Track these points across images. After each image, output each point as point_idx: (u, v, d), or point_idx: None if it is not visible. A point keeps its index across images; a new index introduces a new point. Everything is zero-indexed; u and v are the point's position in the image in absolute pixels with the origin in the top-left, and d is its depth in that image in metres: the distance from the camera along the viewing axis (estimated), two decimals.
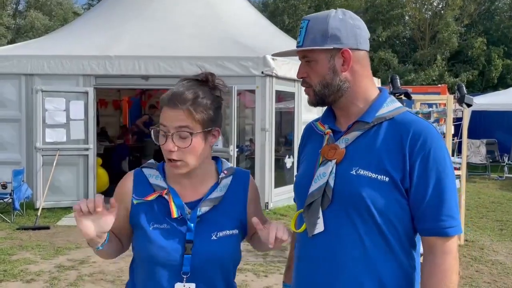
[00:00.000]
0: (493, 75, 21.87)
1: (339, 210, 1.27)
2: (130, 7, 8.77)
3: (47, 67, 7.46)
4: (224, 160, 1.49)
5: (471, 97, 4.98)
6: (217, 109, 1.38)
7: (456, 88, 5.11)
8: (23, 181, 6.82)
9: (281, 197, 7.75)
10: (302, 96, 8.32)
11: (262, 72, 7.36)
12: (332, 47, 1.27)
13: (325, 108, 1.41)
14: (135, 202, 1.39)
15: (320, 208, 1.29)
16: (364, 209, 1.24)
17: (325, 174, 1.29)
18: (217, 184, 1.40)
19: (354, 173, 1.26)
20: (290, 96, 8.21)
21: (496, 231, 6.45)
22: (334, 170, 1.28)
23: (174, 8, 8.70)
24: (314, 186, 1.31)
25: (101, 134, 10.98)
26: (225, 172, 1.42)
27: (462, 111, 5.38)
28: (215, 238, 1.35)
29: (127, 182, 1.43)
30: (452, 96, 4.92)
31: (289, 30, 21.58)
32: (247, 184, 1.44)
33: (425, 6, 23.41)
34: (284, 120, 8.59)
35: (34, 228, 6.17)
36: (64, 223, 6.54)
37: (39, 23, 26.33)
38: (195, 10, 8.72)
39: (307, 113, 8.50)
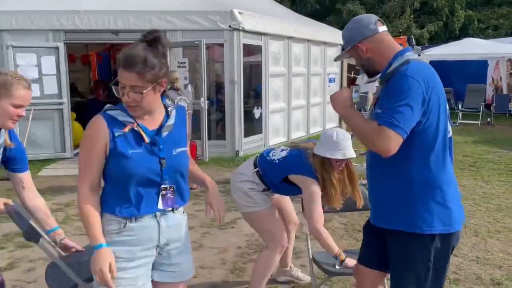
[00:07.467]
0: (456, 26, 22.51)
1: None
2: None
3: (15, 22, 7.46)
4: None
5: (419, 47, 5.47)
6: (163, 64, 1.71)
7: (407, 40, 5.58)
8: None
9: (251, 145, 8.27)
10: (269, 49, 8.66)
11: (230, 26, 7.63)
12: (350, 47, 1.97)
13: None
14: (116, 134, 1.71)
15: None
16: None
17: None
18: (168, 115, 1.84)
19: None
20: (258, 49, 8.52)
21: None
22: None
23: None
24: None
25: (71, 90, 11.02)
26: (170, 105, 1.85)
27: None
28: (175, 153, 1.82)
29: (100, 122, 1.72)
30: None
31: None
32: (185, 116, 1.93)
33: None
34: (254, 73, 8.93)
35: None
36: (44, 173, 6.89)
37: None
38: None
39: (274, 66, 8.87)
